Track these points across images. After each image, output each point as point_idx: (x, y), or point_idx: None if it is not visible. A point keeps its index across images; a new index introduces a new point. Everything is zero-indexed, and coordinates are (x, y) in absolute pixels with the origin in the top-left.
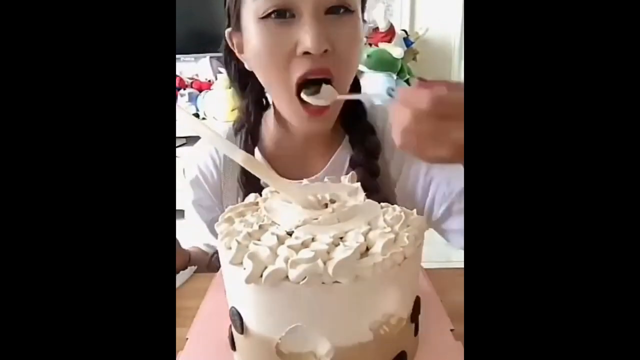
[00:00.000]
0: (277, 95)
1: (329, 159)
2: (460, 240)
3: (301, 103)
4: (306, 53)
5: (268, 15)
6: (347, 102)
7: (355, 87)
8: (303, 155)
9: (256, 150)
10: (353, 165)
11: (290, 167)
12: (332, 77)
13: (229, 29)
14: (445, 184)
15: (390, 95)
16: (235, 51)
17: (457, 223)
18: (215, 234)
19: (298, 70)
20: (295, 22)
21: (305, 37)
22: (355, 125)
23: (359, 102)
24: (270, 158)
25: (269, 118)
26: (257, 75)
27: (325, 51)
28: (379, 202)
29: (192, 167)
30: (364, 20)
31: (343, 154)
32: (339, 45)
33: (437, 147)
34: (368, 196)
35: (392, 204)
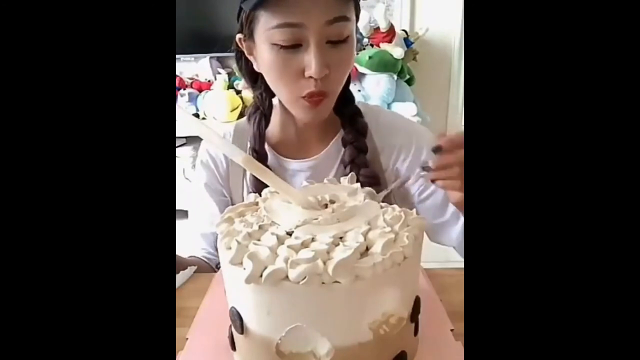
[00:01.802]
0: (284, 97)
1: (328, 144)
2: (431, 207)
3: (303, 100)
4: (311, 77)
5: (279, 43)
6: (340, 93)
7: (347, 88)
8: (305, 139)
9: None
10: (344, 144)
11: (294, 150)
12: (328, 96)
13: (240, 35)
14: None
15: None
16: (245, 53)
17: (427, 193)
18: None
19: (304, 89)
20: (303, 50)
21: (311, 64)
22: (345, 110)
23: (347, 91)
24: (275, 141)
25: (274, 108)
26: (267, 81)
27: (325, 75)
28: (369, 176)
29: (202, 150)
30: (358, 32)
31: (339, 140)
32: (336, 68)
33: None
34: (358, 171)
35: (381, 180)
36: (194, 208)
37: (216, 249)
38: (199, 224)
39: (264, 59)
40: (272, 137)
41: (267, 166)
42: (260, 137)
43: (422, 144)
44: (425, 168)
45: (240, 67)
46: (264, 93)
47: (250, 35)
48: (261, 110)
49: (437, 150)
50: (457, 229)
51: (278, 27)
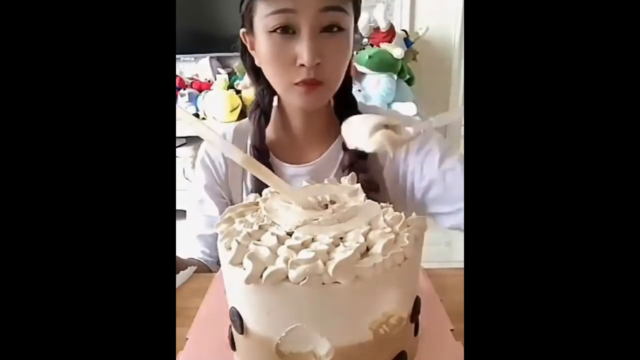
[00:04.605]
0: (278, 86)
1: (327, 148)
2: (445, 219)
3: (296, 84)
4: (302, 65)
5: (274, 30)
6: (341, 95)
7: (347, 90)
8: (304, 143)
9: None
10: (344, 148)
11: (292, 154)
12: (323, 84)
13: (243, 30)
14: (419, 169)
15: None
16: (248, 48)
17: (437, 208)
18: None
19: (296, 77)
20: (296, 38)
21: (303, 52)
22: (347, 114)
23: (350, 95)
24: (274, 145)
25: (274, 109)
26: (264, 72)
27: (318, 63)
28: (368, 181)
29: (202, 151)
30: (358, 32)
31: (339, 145)
32: (330, 58)
33: None
34: (358, 175)
35: (380, 185)
36: (192, 209)
37: (215, 251)
38: (197, 225)
39: (260, 49)
40: (271, 141)
41: (269, 163)
42: (260, 133)
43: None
44: None
45: (244, 63)
46: (265, 90)
47: (250, 27)
48: (261, 107)
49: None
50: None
51: (272, 14)
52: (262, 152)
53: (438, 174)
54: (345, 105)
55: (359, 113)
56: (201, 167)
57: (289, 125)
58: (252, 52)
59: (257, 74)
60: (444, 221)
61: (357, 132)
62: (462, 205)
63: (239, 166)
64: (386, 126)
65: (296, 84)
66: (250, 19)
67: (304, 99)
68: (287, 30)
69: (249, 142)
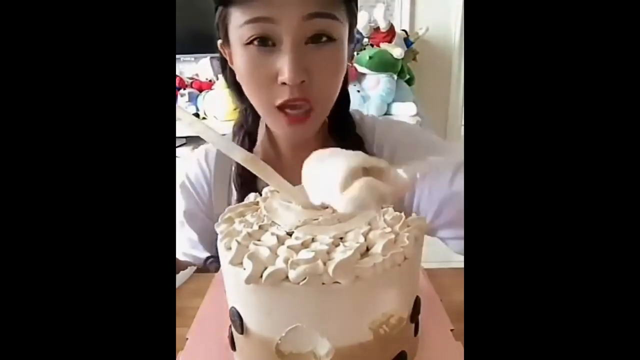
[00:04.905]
0: (259, 108)
1: None
2: (457, 244)
3: (280, 112)
4: (284, 83)
5: (251, 42)
6: (337, 115)
7: (344, 105)
8: (293, 165)
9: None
10: None
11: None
12: (311, 106)
13: (219, 41)
14: (427, 192)
15: None
16: (228, 61)
17: (448, 232)
18: (205, 244)
19: (278, 98)
20: (277, 50)
21: (284, 68)
22: (345, 138)
23: (348, 115)
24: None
25: (260, 128)
26: (244, 90)
27: (303, 82)
28: None
29: (182, 174)
30: (353, 40)
31: None
32: (317, 75)
33: None
34: None
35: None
36: (177, 227)
37: (202, 266)
38: (181, 244)
39: (237, 64)
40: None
41: (256, 189)
42: None
43: (419, 143)
44: None
45: (225, 78)
46: (248, 109)
47: (225, 38)
48: (245, 129)
49: None
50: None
51: (247, 23)
52: (247, 180)
53: (449, 196)
54: (342, 125)
55: (357, 135)
56: (181, 192)
57: (277, 149)
58: (231, 66)
59: (239, 91)
60: (456, 246)
61: (324, 183)
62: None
63: (223, 186)
64: (366, 170)
65: (278, 106)
66: (225, 29)
67: (287, 131)
68: (265, 42)
69: (233, 167)
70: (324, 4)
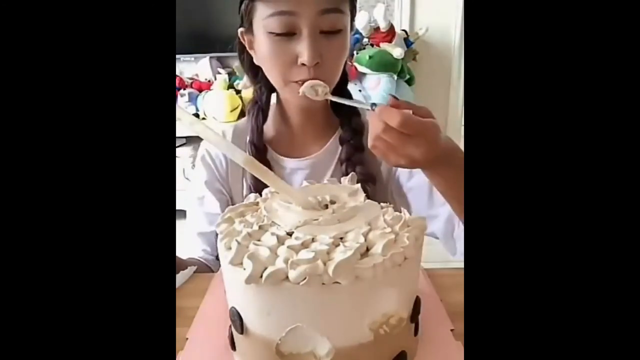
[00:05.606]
0: (278, 84)
1: (326, 143)
2: (419, 197)
3: (297, 85)
4: (303, 64)
5: (274, 31)
6: (337, 91)
7: (343, 85)
8: (302, 138)
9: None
10: (342, 142)
11: (291, 148)
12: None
13: (241, 29)
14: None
15: (373, 108)
16: (247, 47)
17: (417, 209)
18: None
19: (297, 76)
20: (296, 38)
21: (304, 52)
22: (343, 109)
23: (345, 90)
24: (273, 139)
25: (273, 106)
26: (264, 70)
27: (317, 63)
28: (365, 174)
29: (202, 148)
30: (353, 28)
31: (337, 139)
32: (328, 58)
33: (397, 157)
34: (354, 169)
35: (377, 178)
36: (193, 207)
37: (216, 248)
38: (197, 223)
39: (260, 49)
40: (270, 135)
41: (267, 160)
42: (258, 130)
43: None
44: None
45: (242, 61)
46: (263, 87)
47: (249, 27)
48: (259, 104)
49: (373, 105)
50: (441, 220)
51: (272, 16)
52: (259, 149)
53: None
54: (341, 97)
55: (355, 108)
56: (202, 163)
57: (288, 121)
58: (250, 51)
59: (255, 72)
60: (418, 196)
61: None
62: (439, 212)
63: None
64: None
65: (295, 81)
66: (250, 20)
67: (302, 99)
68: (287, 32)
69: (247, 139)
70: (335, 1)
